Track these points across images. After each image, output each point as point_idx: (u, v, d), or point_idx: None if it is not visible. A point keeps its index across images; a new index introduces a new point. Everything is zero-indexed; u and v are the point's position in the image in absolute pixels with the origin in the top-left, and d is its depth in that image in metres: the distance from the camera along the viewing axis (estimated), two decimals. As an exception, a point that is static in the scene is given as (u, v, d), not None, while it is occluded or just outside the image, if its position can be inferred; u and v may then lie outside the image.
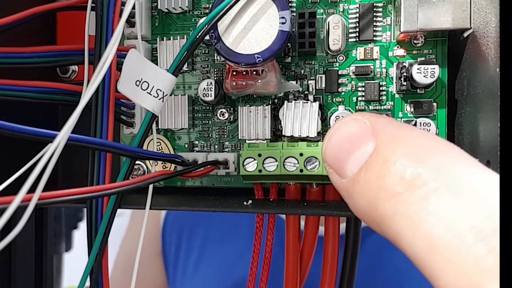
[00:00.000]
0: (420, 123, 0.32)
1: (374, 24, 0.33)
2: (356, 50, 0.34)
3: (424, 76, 0.31)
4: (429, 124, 0.32)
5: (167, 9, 0.35)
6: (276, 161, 0.31)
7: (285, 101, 0.33)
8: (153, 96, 0.29)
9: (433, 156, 0.19)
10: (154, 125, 0.31)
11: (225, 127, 0.36)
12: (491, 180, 0.18)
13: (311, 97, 0.34)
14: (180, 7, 0.35)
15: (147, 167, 0.37)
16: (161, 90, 0.29)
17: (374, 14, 0.33)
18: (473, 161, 0.19)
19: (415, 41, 0.33)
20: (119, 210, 0.31)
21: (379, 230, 0.20)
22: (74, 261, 0.70)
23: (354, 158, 0.21)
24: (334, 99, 0.34)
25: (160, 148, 0.37)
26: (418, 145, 0.20)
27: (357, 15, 0.34)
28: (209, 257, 0.73)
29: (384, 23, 0.33)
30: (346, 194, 0.22)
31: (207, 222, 0.75)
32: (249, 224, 0.71)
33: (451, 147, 0.20)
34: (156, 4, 0.36)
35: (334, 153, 0.22)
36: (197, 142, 0.37)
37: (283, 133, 0.32)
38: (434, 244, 0.16)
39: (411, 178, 0.18)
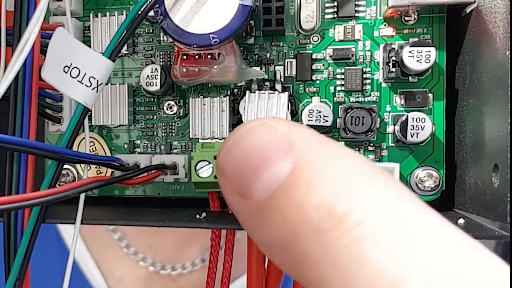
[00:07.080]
0: (413, 118, 0.36)
1: (357, -3, 0.37)
2: (334, 29, 0.38)
3: (417, 60, 0.35)
4: (423, 120, 0.36)
5: (102, -23, 0.39)
6: (236, 164, 0.34)
7: (247, 92, 0.36)
8: (85, 85, 0.31)
9: (369, 186, 0.20)
10: (86, 121, 0.34)
11: (173, 124, 0.40)
12: (438, 225, 0.19)
13: (278, 87, 0.38)
14: (118, -25, 0.39)
15: (77, 173, 0.40)
16: (94, 78, 0.31)
17: (356, -15, 0.37)
18: (416, 200, 0.20)
19: (406, 18, 0.37)
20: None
21: (293, 271, 0.21)
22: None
23: (264, 179, 0.21)
24: (307, 89, 0.38)
25: (94, 149, 0.40)
26: (350, 170, 0.20)
27: (335, -14, 0.37)
28: None
29: (368, -5, 0.37)
30: (249, 222, 0.22)
31: None
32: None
33: (389, 179, 0.21)
34: (88, -29, 0.39)
35: (236, 167, 0.22)
36: (139, 141, 0.40)
37: (244, 131, 0.36)
38: None
39: (341, 215, 0.19)
